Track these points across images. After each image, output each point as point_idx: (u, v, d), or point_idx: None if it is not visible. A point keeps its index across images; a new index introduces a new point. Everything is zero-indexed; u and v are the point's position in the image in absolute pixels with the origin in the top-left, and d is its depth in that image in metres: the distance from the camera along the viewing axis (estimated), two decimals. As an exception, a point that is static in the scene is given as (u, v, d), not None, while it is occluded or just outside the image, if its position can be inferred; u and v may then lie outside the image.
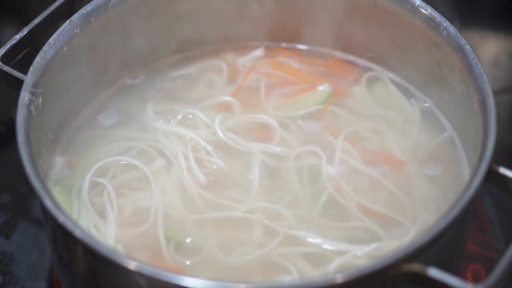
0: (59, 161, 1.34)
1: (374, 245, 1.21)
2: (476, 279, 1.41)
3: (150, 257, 1.21)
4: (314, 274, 1.19)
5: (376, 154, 1.35)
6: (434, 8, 1.35)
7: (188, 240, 1.23)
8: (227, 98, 1.44)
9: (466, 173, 1.32)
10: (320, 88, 1.45)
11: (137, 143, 1.36)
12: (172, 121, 1.40)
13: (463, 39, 1.30)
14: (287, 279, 1.18)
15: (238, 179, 1.31)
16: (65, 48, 1.31)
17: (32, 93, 1.24)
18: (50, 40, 1.30)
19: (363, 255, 1.20)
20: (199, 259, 1.21)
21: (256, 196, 1.29)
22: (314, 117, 1.41)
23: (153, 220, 1.25)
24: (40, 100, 1.25)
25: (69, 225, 1.08)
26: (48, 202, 1.10)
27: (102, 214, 1.26)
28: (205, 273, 1.19)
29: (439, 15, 1.34)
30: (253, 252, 1.21)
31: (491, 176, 1.16)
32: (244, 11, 1.49)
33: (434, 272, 1.05)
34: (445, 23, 1.33)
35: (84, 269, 1.17)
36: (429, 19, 1.35)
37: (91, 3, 1.35)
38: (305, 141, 1.37)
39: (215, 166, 1.33)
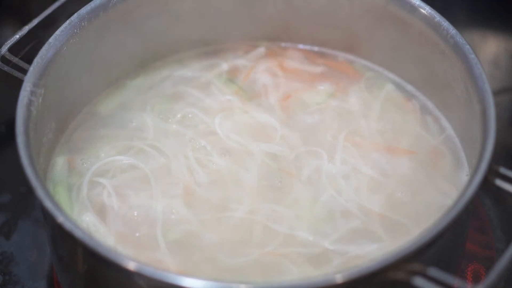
0: (59, 161, 1.34)
1: (374, 246, 1.21)
2: (476, 279, 1.41)
3: (150, 258, 1.21)
4: (315, 274, 1.19)
5: (376, 153, 1.35)
6: (434, 8, 1.35)
7: (187, 240, 1.23)
8: (227, 97, 1.44)
9: (466, 173, 1.32)
10: (321, 87, 1.45)
11: (136, 143, 1.36)
12: (171, 121, 1.40)
13: (463, 39, 1.30)
14: (287, 279, 1.18)
15: (238, 179, 1.31)
16: (65, 48, 1.31)
17: (32, 93, 1.24)
18: (50, 40, 1.30)
19: (363, 256, 1.20)
20: (199, 260, 1.21)
21: (256, 196, 1.29)
22: (314, 117, 1.41)
23: (153, 220, 1.25)
24: (40, 100, 1.25)
25: (69, 225, 1.08)
26: (48, 202, 1.10)
27: (102, 214, 1.26)
28: (205, 273, 1.19)
29: (439, 15, 1.34)
30: (253, 253, 1.21)
31: (491, 176, 1.16)
32: (244, 11, 1.49)
33: (434, 272, 1.05)
34: (445, 23, 1.33)
35: (84, 269, 1.17)
36: (429, 19, 1.34)
37: (91, 3, 1.35)
38: (305, 141, 1.37)
39: (214, 166, 1.33)
